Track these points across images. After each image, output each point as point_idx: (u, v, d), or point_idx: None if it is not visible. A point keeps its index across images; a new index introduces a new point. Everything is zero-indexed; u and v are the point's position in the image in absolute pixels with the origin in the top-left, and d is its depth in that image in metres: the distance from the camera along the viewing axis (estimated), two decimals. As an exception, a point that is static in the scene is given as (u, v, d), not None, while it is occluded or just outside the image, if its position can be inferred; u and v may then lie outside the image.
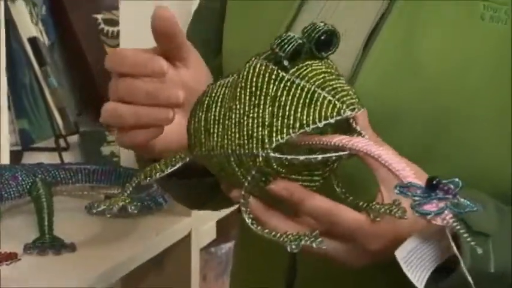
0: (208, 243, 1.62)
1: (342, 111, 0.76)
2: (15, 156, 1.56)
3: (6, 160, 1.47)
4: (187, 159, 0.85)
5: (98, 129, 1.69)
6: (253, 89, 0.78)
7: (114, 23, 1.73)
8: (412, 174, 0.75)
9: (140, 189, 1.34)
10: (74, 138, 1.67)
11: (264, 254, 0.98)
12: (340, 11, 0.94)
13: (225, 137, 0.79)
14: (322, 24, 0.79)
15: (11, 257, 1.22)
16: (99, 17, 1.78)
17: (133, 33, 1.43)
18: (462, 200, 0.75)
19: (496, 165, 0.88)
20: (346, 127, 0.78)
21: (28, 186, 1.34)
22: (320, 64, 0.78)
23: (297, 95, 0.76)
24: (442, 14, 0.89)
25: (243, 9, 1.00)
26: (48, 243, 1.27)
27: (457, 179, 0.75)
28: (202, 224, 1.51)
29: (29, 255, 1.25)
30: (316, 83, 0.77)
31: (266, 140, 0.76)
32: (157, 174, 0.86)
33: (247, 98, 0.78)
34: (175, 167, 0.85)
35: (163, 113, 0.83)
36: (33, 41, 1.61)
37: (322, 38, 0.79)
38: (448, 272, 0.81)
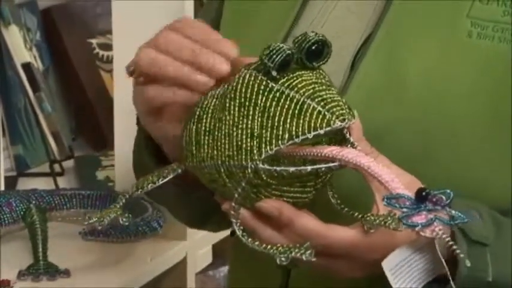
0: (205, 267, 1.62)
1: (332, 122, 0.76)
2: (10, 181, 1.56)
3: (0, 186, 1.48)
4: (179, 170, 0.84)
5: (93, 154, 1.70)
6: (243, 99, 0.78)
7: (109, 47, 1.73)
8: (402, 186, 0.75)
9: (135, 215, 1.34)
10: (69, 163, 1.67)
11: (256, 276, 0.98)
12: (325, 30, 0.93)
13: (215, 148, 0.79)
14: (313, 34, 0.79)
15: (4, 284, 1.22)
16: (94, 41, 1.78)
17: (127, 58, 1.43)
18: (453, 211, 0.75)
19: (483, 181, 0.88)
20: (340, 138, 0.78)
21: (22, 213, 1.34)
22: (311, 74, 0.78)
23: (286, 106, 0.76)
24: (428, 33, 0.89)
25: (236, 21, 1.01)
26: (42, 270, 1.27)
27: (448, 190, 0.76)
28: (198, 248, 1.51)
29: (23, 282, 1.25)
30: (306, 94, 0.77)
31: (255, 152, 0.76)
32: (149, 185, 0.85)
33: (237, 109, 0.78)
34: (166, 179, 0.84)
35: (203, 77, 0.80)
36: (27, 66, 1.61)
37: (313, 48, 0.79)
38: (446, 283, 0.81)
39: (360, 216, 0.79)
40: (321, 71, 0.80)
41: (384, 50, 0.89)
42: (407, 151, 0.87)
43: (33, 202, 1.35)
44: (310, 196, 0.80)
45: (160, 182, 0.84)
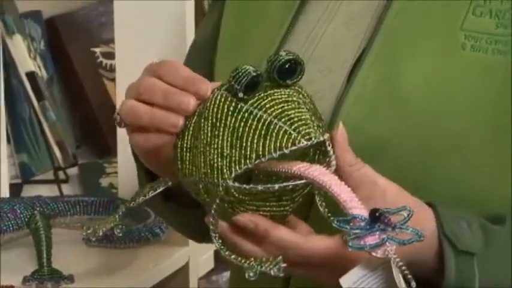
0: (208, 272, 1.62)
1: (297, 141, 0.76)
2: (15, 189, 1.56)
3: (6, 193, 1.48)
4: (170, 183, 0.85)
5: (97, 162, 1.70)
6: (214, 120, 0.79)
7: (112, 56, 1.73)
8: (359, 205, 0.76)
9: (138, 221, 1.35)
10: (73, 171, 1.67)
11: (257, 281, 0.98)
12: (322, 45, 0.94)
13: (194, 164, 0.80)
14: (284, 53, 0.80)
15: (8, 290, 1.23)
16: (98, 50, 1.78)
17: (129, 66, 1.44)
18: (410, 229, 0.76)
19: (483, 191, 0.88)
20: (323, 149, 0.80)
21: (26, 219, 1.34)
22: (283, 93, 0.79)
23: (254, 126, 0.77)
24: (423, 46, 0.89)
25: (234, 38, 1.01)
26: (46, 275, 1.27)
27: (408, 208, 0.76)
28: (200, 254, 1.51)
29: (27, 287, 1.25)
30: (274, 114, 0.78)
31: (225, 170, 0.77)
32: (141, 198, 0.86)
33: (209, 128, 0.79)
34: (157, 191, 0.86)
35: (173, 118, 0.82)
36: (31, 75, 1.61)
37: (286, 66, 0.79)
38: None
39: None
40: (297, 88, 0.80)
41: (379, 63, 0.89)
42: (407, 162, 0.87)
43: (38, 209, 1.36)
44: (289, 209, 0.81)
45: (151, 195, 0.86)
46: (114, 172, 1.60)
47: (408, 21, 0.90)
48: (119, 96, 1.45)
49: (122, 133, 1.44)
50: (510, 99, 0.87)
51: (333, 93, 0.90)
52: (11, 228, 1.34)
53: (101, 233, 0.85)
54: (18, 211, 1.35)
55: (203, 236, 1.05)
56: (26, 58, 1.61)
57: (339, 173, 0.80)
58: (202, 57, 1.04)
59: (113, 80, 1.69)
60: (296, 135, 0.77)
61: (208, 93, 0.81)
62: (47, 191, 1.58)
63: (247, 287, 1.01)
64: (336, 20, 0.94)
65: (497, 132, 0.87)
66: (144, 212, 1.37)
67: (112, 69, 1.74)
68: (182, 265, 1.43)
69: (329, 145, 0.79)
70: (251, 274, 0.78)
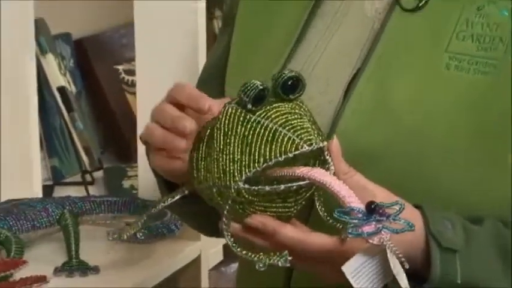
0: (217, 264, 1.61)
1: (300, 146, 0.77)
2: (47, 190, 1.56)
3: (39, 194, 1.47)
4: (186, 192, 0.86)
5: (120, 166, 1.70)
6: (226, 129, 0.79)
7: (133, 72, 1.73)
8: (357, 200, 0.76)
9: (155, 218, 1.34)
10: (98, 174, 1.68)
11: (261, 276, 0.97)
12: (321, 64, 0.93)
13: (208, 171, 0.80)
14: (287, 71, 0.80)
15: (41, 280, 1.21)
16: (120, 67, 1.79)
17: (148, 81, 1.44)
18: (402, 220, 0.76)
19: (467, 194, 0.87)
20: (322, 158, 0.80)
21: (57, 217, 1.34)
22: (287, 106, 0.80)
23: (261, 134, 0.78)
24: (412, 66, 0.89)
25: (242, 53, 1.00)
26: (75, 266, 1.27)
27: (400, 202, 0.77)
28: (210, 247, 1.50)
29: (58, 278, 1.24)
30: (279, 123, 0.78)
31: (236, 174, 0.78)
32: (160, 205, 0.88)
33: (222, 137, 0.79)
34: (174, 199, 0.87)
35: (177, 141, 0.83)
36: (61, 90, 1.62)
37: (289, 83, 0.80)
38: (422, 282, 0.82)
39: (340, 227, 0.80)
40: (298, 102, 0.81)
41: (373, 81, 0.89)
42: (398, 168, 0.86)
43: (67, 208, 1.35)
44: (293, 210, 0.81)
45: (169, 202, 0.87)
46: (134, 175, 1.60)
47: (399, 44, 0.89)
48: (139, 108, 1.46)
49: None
50: (489, 113, 0.86)
51: (330, 108, 0.90)
52: (44, 225, 1.33)
53: (125, 237, 0.87)
54: (50, 210, 1.34)
55: (213, 232, 1.04)
56: (57, 74, 1.61)
57: None
58: (214, 77, 1.04)
59: (134, 93, 1.68)
60: (299, 141, 0.77)
61: (207, 106, 0.82)
62: (75, 191, 1.58)
63: (252, 284, 1.00)
64: (333, 42, 0.94)
65: (479, 141, 0.86)
66: (161, 211, 1.36)
67: (133, 84, 1.74)
68: (194, 257, 1.43)
69: (327, 153, 0.79)
70: (261, 265, 0.78)
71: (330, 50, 0.93)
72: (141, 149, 1.44)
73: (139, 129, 1.44)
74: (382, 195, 0.80)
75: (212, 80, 1.04)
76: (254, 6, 0.99)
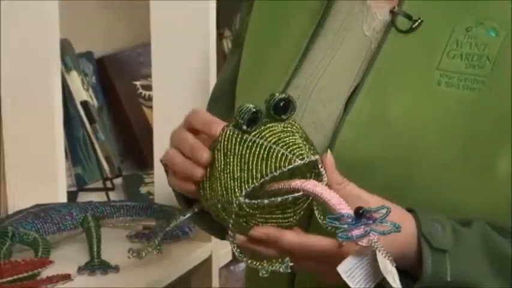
0: (227, 263, 1.61)
1: (293, 160, 0.77)
2: (72, 195, 1.56)
3: (64, 199, 1.47)
4: (196, 210, 0.87)
5: (137, 173, 1.70)
6: (225, 150, 0.79)
7: (150, 88, 1.73)
8: (346, 207, 0.76)
9: (171, 222, 1.34)
10: (118, 181, 1.67)
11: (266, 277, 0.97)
12: (324, 79, 0.93)
13: (212, 190, 0.81)
14: (278, 94, 0.80)
15: (65, 278, 1.21)
16: (138, 83, 1.79)
17: (164, 96, 1.44)
18: (389, 222, 0.76)
19: (454, 201, 0.87)
20: (317, 171, 0.80)
21: (81, 220, 1.34)
22: (279, 125, 0.80)
23: (257, 152, 0.78)
24: (406, 82, 0.88)
25: (250, 70, 1.00)
26: (97, 266, 1.27)
27: (387, 206, 0.77)
28: (220, 248, 1.50)
29: (81, 276, 1.25)
30: (272, 141, 0.78)
31: (237, 190, 0.78)
32: (173, 224, 0.89)
33: (222, 158, 0.79)
34: (185, 217, 0.88)
35: (194, 169, 0.83)
36: (84, 104, 1.62)
37: (281, 104, 0.80)
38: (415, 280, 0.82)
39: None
40: (290, 121, 0.81)
41: (370, 96, 0.89)
42: (393, 176, 0.86)
43: (90, 212, 1.35)
44: (293, 220, 0.81)
45: (182, 220, 0.88)
46: (151, 182, 1.60)
47: (395, 62, 0.89)
48: (155, 120, 1.46)
49: (157, 150, 1.44)
50: (477, 126, 0.86)
51: (331, 121, 0.90)
52: (68, 228, 1.34)
53: (144, 255, 0.88)
54: (74, 213, 1.34)
55: (223, 235, 1.04)
56: (81, 90, 1.61)
57: None
58: (225, 93, 1.03)
59: (150, 107, 1.68)
60: (291, 156, 0.77)
61: (218, 132, 0.81)
62: (97, 197, 1.58)
63: (258, 284, 1.00)
64: (336, 59, 0.93)
65: (468, 152, 0.86)
66: (176, 215, 1.36)
67: (149, 99, 1.73)
68: (206, 258, 1.43)
69: (321, 166, 0.79)
70: (264, 272, 0.79)
71: (332, 66, 0.93)
72: (157, 158, 1.45)
73: (156, 140, 1.45)
74: (374, 201, 0.80)
75: (223, 96, 1.03)
76: (262, 26, 0.99)
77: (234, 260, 1.63)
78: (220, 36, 1.78)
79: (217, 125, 0.82)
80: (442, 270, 0.82)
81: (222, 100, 1.03)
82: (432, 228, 0.82)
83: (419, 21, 0.89)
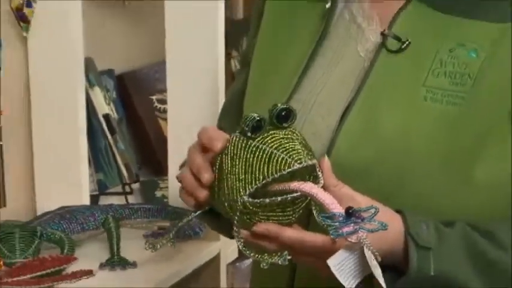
0: (233, 260, 1.61)
1: (291, 164, 0.78)
2: (94, 199, 1.56)
3: (87, 202, 1.47)
4: (206, 208, 0.87)
5: (153, 179, 1.69)
6: (232, 154, 0.80)
7: (165, 101, 1.73)
8: (338, 207, 0.77)
9: (183, 219, 1.34)
10: (136, 186, 1.67)
11: (269, 275, 0.97)
12: (323, 94, 0.93)
13: (220, 190, 0.81)
14: (280, 104, 0.81)
15: (88, 273, 1.22)
16: (154, 97, 1.78)
17: (177, 109, 1.44)
18: (376, 221, 0.76)
19: (438, 204, 0.87)
20: (315, 174, 0.80)
21: (102, 221, 1.34)
22: (281, 132, 0.80)
23: (260, 156, 0.78)
24: (395, 97, 0.89)
25: (257, 85, 1.00)
26: (116, 262, 1.27)
27: (375, 206, 0.77)
28: (228, 247, 1.50)
29: (102, 271, 1.25)
30: (274, 146, 0.79)
31: (241, 190, 0.79)
32: (186, 220, 0.89)
33: (229, 161, 0.80)
34: (196, 214, 0.88)
35: (198, 191, 0.84)
36: (106, 116, 1.61)
37: (282, 113, 0.81)
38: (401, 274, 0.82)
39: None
40: (291, 129, 0.81)
41: (363, 110, 0.89)
42: (383, 181, 0.87)
43: (110, 213, 1.36)
44: (292, 218, 0.81)
45: (193, 215, 0.88)
46: (165, 187, 1.60)
47: (385, 79, 0.90)
48: (170, 131, 1.46)
49: (171, 158, 1.45)
50: (459, 137, 0.86)
51: (328, 130, 0.90)
52: (91, 228, 1.34)
53: (158, 247, 0.89)
54: (96, 215, 1.35)
55: (230, 234, 1.04)
56: (103, 104, 1.61)
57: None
58: (235, 106, 1.04)
59: (165, 119, 1.69)
60: (291, 160, 0.78)
61: (218, 148, 0.82)
62: (117, 200, 1.58)
63: (262, 281, 1.00)
64: (333, 76, 0.94)
65: (451, 161, 0.86)
66: (187, 216, 1.36)
67: (165, 112, 1.74)
68: (215, 255, 1.43)
69: (318, 169, 0.80)
70: (264, 264, 0.80)
71: (330, 83, 0.93)
72: (171, 165, 1.46)
73: (170, 149, 1.45)
74: (366, 203, 0.80)
75: (233, 108, 1.04)
76: (268, 46, 1.00)
77: (240, 257, 1.63)
78: (228, 56, 1.79)
79: (218, 142, 0.82)
80: (426, 266, 0.82)
81: (232, 111, 1.03)
82: (418, 228, 0.83)
83: (407, 42, 0.89)
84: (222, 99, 1.38)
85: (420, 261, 0.81)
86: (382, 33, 0.90)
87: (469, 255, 0.84)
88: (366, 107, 0.89)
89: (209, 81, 1.40)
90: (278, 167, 0.77)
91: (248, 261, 1.73)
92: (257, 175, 0.78)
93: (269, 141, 0.79)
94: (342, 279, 0.76)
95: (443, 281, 0.83)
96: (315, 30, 0.95)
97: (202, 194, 0.83)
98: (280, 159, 0.78)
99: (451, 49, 0.88)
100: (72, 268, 1.22)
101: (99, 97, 1.60)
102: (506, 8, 0.87)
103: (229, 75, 1.58)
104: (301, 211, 0.82)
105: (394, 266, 0.83)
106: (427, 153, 0.86)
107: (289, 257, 0.80)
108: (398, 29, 0.90)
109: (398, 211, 0.84)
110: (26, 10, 1.37)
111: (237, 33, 1.75)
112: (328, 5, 0.94)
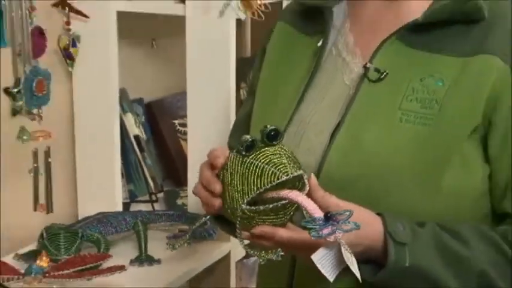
0: (241, 258, 1.60)
1: (279, 176, 0.79)
2: (126, 206, 1.56)
3: (120, 208, 1.48)
4: (207, 217, 0.89)
5: (175, 189, 1.69)
6: (231, 170, 0.81)
7: (185, 125, 1.73)
8: (319, 212, 0.77)
9: (199, 226, 1.33)
10: (160, 195, 1.66)
11: (271, 274, 0.98)
12: (317, 116, 0.94)
13: (224, 199, 0.82)
14: (269, 126, 0.82)
15: (120, 268, 1.23)
16: (176, 122, 1.79)
17: (196, 131, 1.45)
18: (351, 223, 0.77)
19: (412, 208, 0.87)
20: (302, 182, 0.81)
21: (132, 224, 1.35)
22: (271, 149, 0.81)
23: (253, 171, 0.80)
24: (376, 119, 0.90)
25: (262, 106, 1.01)
26: (144, 259, 1.28)
27: (349, 210, 0.77)
28: (237, 247, 1.49)
29: (132, 267, 1.26)
30: (265, 162, 0.80)
31: (240, 199, 0.80)
32: (198, 224, 0.90)
33: (229, 175, 0.81)
34: (206, 218, 0.89)
35: (212, 200, 0.84)
36: (136, 137, 1.61)
37: (271, 133, 0.81)
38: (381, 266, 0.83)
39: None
40: (280, 145, 0.82)
41: (350, 130, 0.90)
42: (368, 190, 0.87)
43: (139, 218, 1.36)
44: (285, 220, 0.82)
45: (203, 220, 0.89)
46: (185, 196, 1.60)
47: (367, 104, 0.91)
48: (189, 150, 1.46)
49: (191, 172, 1.45)
50: (428, 153, 0.87)
51: (321, 147, 0.91)
52: (123, 230, 1.35)
53: (177, 247, 0.90)
54: (127, 219, 1.36)
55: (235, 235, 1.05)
56: (134, 127, 1.62)
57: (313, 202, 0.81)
58: (242, 126, 1.06)
59: (186, 140, 1.69)
60: (279, 173, 0.79)
61: (221, 163, 0.83)
62: (144, 207, 1.58)
63: (265, 279, 1.00)
64: (324, 102, 0.95)
65: (424, 174, 0.87)
66: (200, 218, 1.36)
67: (185, 133, 1.74)
68: (226, 254, 1.43)
69: (305, 177, 0.81)
70: (261, 260, 0.81)
71: (322, 107, 0.94)
72: (190, 178, 1.46)
73: (189, 164, 1.46)
74: (349, 207, 0.81)
75: (241, 128, 1.06)
76: (270, 76, 1.01)
77: (247, 256, 1.62)
78: (238, 87, 1.79)
79: (219, 159, 0.84)
80: (402, 259, 0.82)
81: (240, 131, 1.05)
82: (395, 227, 0.84)
83: (385, 73, 0.89)
84: (232, 123, 1.38)
85: (397, 255, 0.82)
86: (364, 66, 0.91)
87: (438, 250, 0.84)
88: (351, 127, 0.89)
89: (222, 108, 1.41)
90: (269, 179, 0.79)
91: (253, 259, 1.73)
92: (252, 187, 0.79)
93: (261, 157, 0.80)
94: (323, 271, 0.78)
95: (417, 272, 0.84)
96: (309, 65, 0.96)
97: (216, 202, 0.84)
98: (270, 172, 0.79)
99: (421, 79, 0.88)
100: (107, 264, 1.23)
101: (130, 121, 1.61)
102: (468, 44, 0.88)
103: (239, 103, 1.59)
104: (292, 213, 0.83)
105: (375, 260, 0.84)
106: (403, 166, 0.86)
107: (282, 253, 0.81)
108: (377, 62, 0.90)
109: (379, 214, 0.85)
110: (71, 49, 1.39)
111: (245, 68, 1.76)
112: (319, 44, 0.96)
